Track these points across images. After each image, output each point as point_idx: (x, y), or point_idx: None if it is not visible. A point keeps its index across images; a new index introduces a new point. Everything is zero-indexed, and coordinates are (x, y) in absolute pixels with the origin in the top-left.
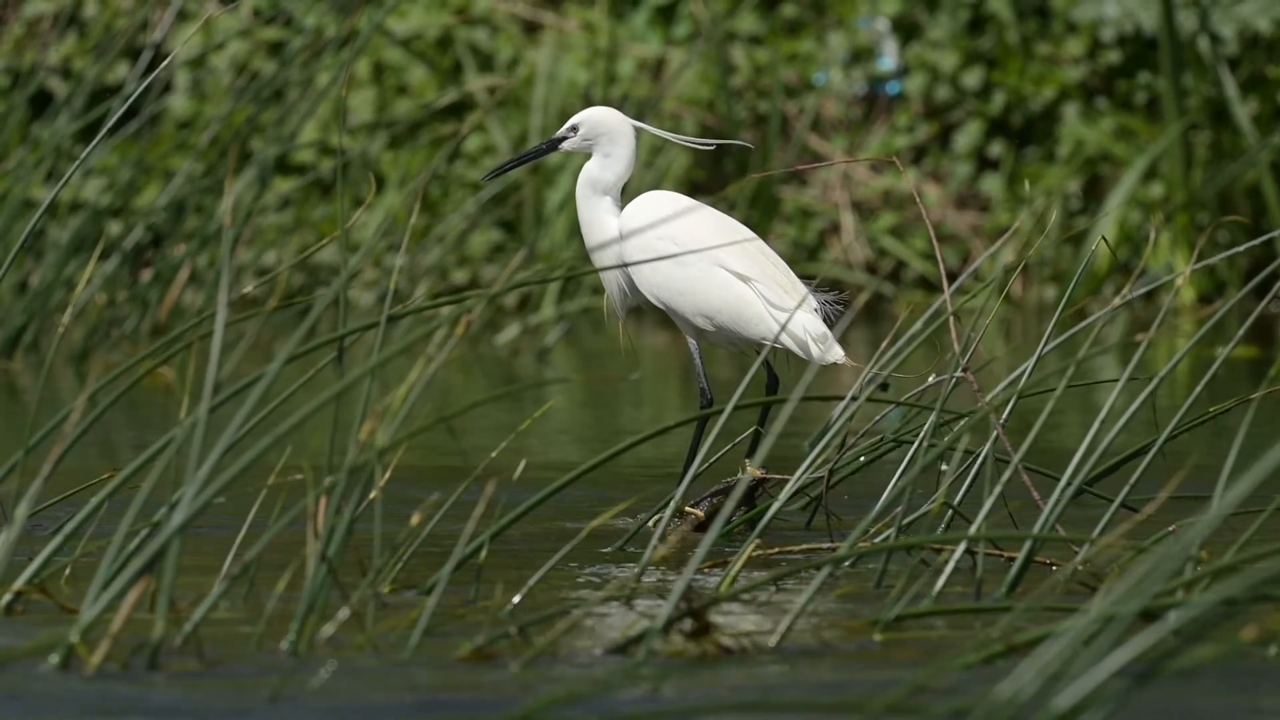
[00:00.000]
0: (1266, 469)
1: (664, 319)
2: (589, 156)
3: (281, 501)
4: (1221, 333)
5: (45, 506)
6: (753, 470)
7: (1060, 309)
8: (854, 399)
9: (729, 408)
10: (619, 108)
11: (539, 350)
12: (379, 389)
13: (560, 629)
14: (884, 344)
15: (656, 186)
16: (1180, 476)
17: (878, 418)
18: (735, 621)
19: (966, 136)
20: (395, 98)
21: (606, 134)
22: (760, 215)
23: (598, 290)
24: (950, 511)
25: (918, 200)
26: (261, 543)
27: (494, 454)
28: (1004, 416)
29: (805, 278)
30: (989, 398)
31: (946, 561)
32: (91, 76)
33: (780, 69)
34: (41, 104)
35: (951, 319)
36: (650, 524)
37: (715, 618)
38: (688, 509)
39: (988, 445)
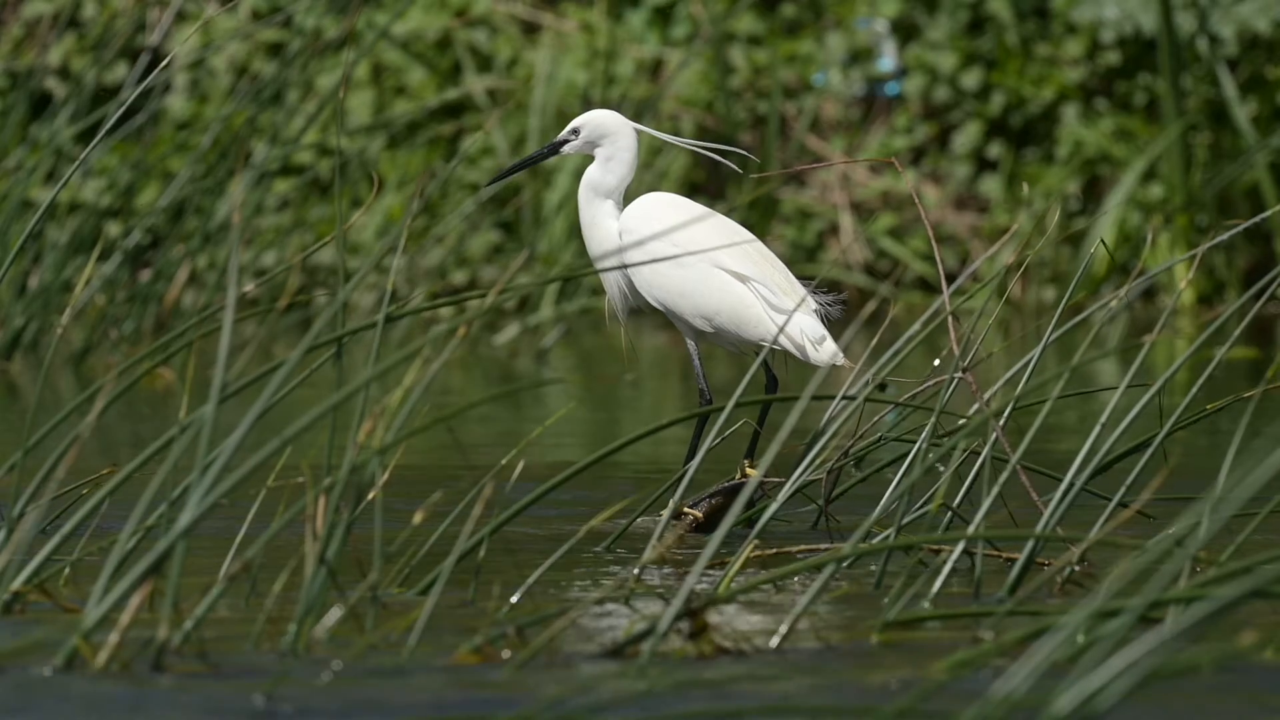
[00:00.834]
0: (1268, 472)
1: (663, 320)
2: (590, 159)
3: (284, 500)
4: (1221, 334)
5: (42, 505)
6: (751, 471)
7: (1060, 308)
8: (850, 399)
9: (729, 407)
10: (618, 109)
11: (538, 351)
12: (378, 389)
13: (558, 630)
14: (874, 341)
15: (656, 187)
16: (1165, 475)
17: (876, 418)
18: (734, 622)
19: (965, 137)
20: (394, 99)
21: (608, 136)
22: (759, 216)
23: (597, 291)
24: (949, 512)
25: (916, 201)
26: (261, 543)
27: (504, 461)
28: (1004, 419)
29: (804, 279)
30: (987, 396)
31: (945, 562)
32: (90, 77)
33: (779, 70)
34: (40, 105)
35: (950, 320)
36: (639, 524)
37: (714, 618)
38: (686, 509)
39: (986, 448)
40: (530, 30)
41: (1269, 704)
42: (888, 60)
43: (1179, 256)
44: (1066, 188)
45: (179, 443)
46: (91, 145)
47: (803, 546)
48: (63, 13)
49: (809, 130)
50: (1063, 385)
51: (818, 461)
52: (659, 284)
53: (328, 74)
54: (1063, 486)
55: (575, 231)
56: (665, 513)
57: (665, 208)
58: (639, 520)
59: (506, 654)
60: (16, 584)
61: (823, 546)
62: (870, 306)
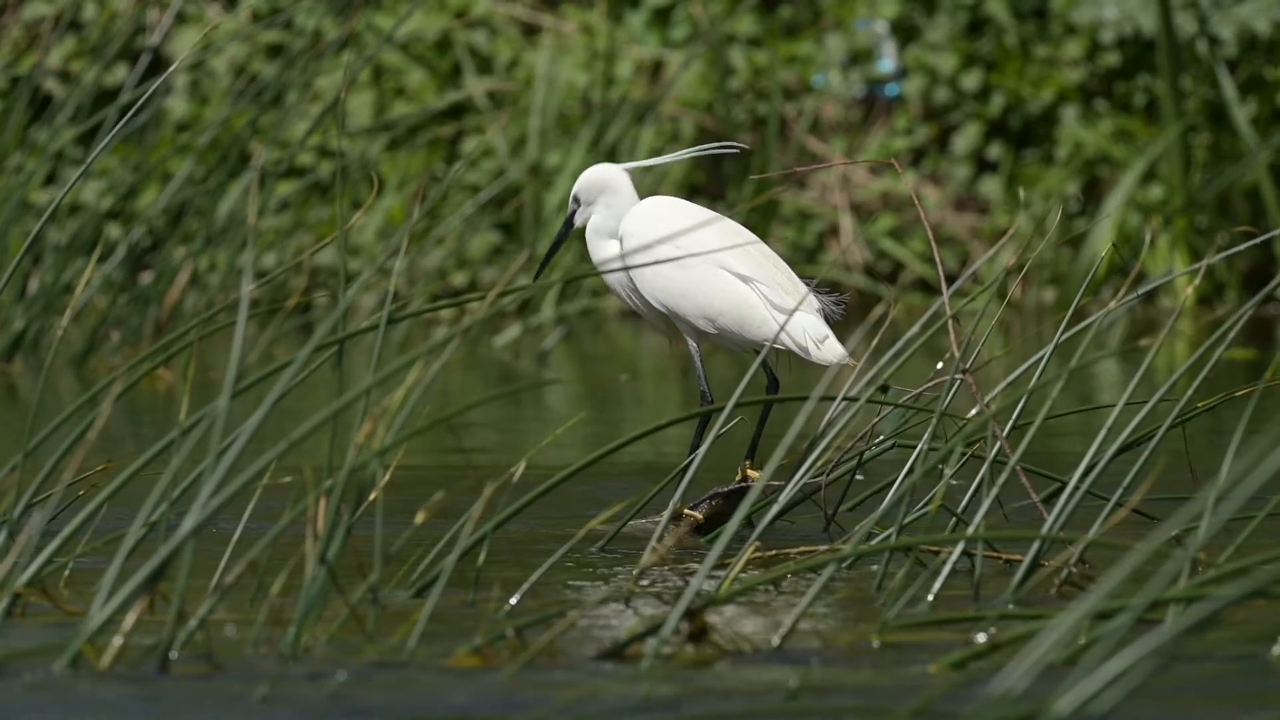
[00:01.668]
0: (1267, 473)
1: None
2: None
3: (291, 500)
4: (1222, 337)
5: (45, 507)
6: (752, 473)
7: (1068, 314)
8: (851, 400)
9: (729, 406)
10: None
11: (539, 352)
12: (379, 390)
13: (558, 632)
14: (874, 343)
15: (656, 188)
16: (1155, 475)
17: (876, 419)
18: (735, 623)
19: (965, 139)
20: (394, 100)
21: (604, 189)
22: (759, 218)
23: (597, 293)
24: (950, 514)
25: (916, 203)
26: (263, 543)
27: (513, 471)
28: (1008, 428)
29: (805, 279)
30: (989, 399)
31: (945, 564)
32: (90, 79)
33: (779, 71)
34: (40, 107)
35: (950, 321)
36: (639, 525)
37: (714, 619)
38: (686, 511)
39: (992, 452)
40: (530, 32)
41: (1270, 704)
42: (887, 61)
43: (1179, 262)
44: (1066, 189)
45: (182, 443)
46: (100, 149)
47: (803, 548)
48: (63, 14)
49: (809, 131)
50: (1062, 386)
51: (818, 463)
52: (661, 286)
53: (327, 75)
54: (1068, 490)
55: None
56: (665, 514)
57: (667, 211)
58: (638, 521)
59: (506, 656)
60: (17, 585)
61: (823, 548)
62: (878, 311)
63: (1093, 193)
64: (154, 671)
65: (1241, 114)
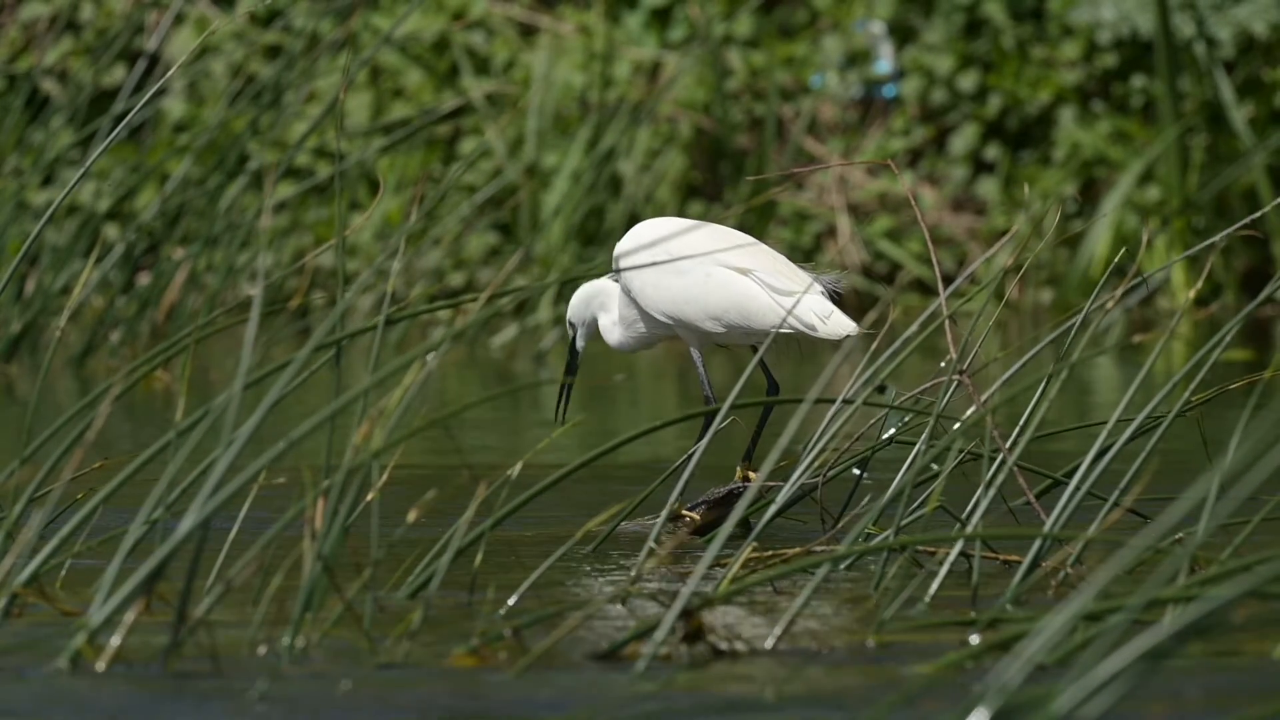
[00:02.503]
0: (1262, 475)
1: None
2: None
3: (292, 499)
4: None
5: (45, 507)
6: (749, 474)
7: (1078, 320)
8: (849, 402)
9: (725, 405)
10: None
11: (536, 353)
12: (376, 391)
13: (557, 633)
14: (873, 346)
15: (654, 189)
16: (1148, 477)
17: (872, 421)
18: (731, 624)
19: (962, 140)
20: (392, 101)
21: (594, 301)
22: (756, 218)
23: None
24: (946, 514)
25: (913, 204)
26: (261, 544)
27: (510, 472)
28: (1016, 434)
29: (803, 265)
30: (985, 397)
31: (941, 564)
32: (88, 80)
33: (776, 72)
34: (38, 107)
35: (948, 322)
36: (638, 525)
37: (711, 620)
38: (684, 512)
39: (1002, 454)
40: (527, 32)
41: (1270, 704)
42: (884, 63)
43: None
44: (1063, 190)
45: (180, 444)
46: (100, 151)
47: (800, 548)
48: (60, 15)
49: (806, 132)
50: (1059, 385)
51: (815, 463)
52: (664, 296)
53: (325, 76)
54: (1068, 491)
55: (573, 233)
56: (662, 515)
57: (659, 226)
58: (636, 522)
59: (503, 656)
60: (14, 585)
61: (819, 549)
62: (874, 315)
63: (1090, 194)
64: (152, 671)
65: (1239, 115)
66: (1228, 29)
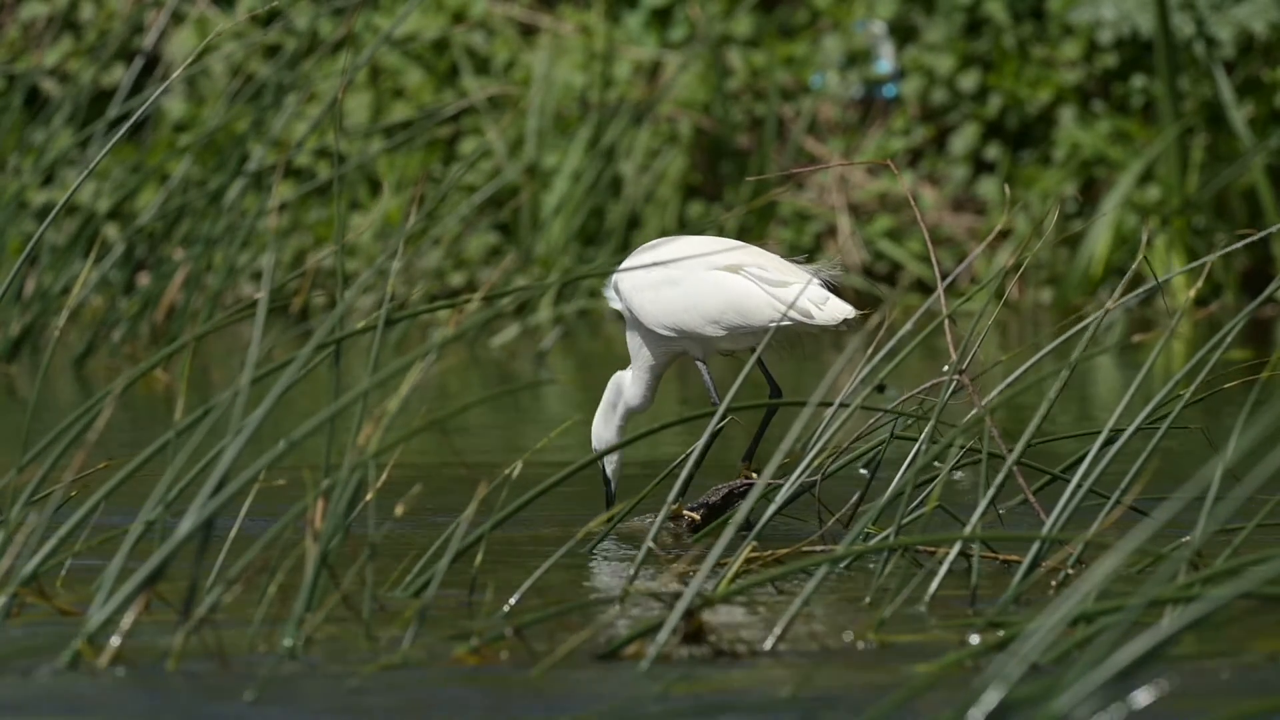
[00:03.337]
0: (1261, 477)
1: None
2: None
3: (292, 499)
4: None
5: (45, 507)
6: (750, 474)
7: (1088, 330)
8: (845, 405)
9: (722, 405)
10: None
11: (537, 353)
12: (376, 391)
13: (563, 637)
14: (871, 349)
15: (654, 189)
16: (1148, 477)
17: (872, 422)
18: (731, 623)
19: (963, 139)
20: (392, 100)
21: (613, 393)
22: (757, 218)
23: (594, 293)
24: (945, 514)
25: (913, 204)
26: (262, 543)
27: (509, 471)
28: (1026, 435)
29: (796, 259)
30: (987, 401)
31: (941, 564)
32: (87, 79)
33: (776, 72)
34: (38, 107)
35: (947, 322)
36: (637, 525)
37: (710, 619)
38: (685, 511)
39: (986, 450)
40: (527, 32)
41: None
42: (885, 62)
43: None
44: (1064, 190)
45: (179, 443)
46: (104, 153)
47: (800, 548)
48: (59, 14)
49: (806, 132)
50: (1056, 383)
51: (814, 463)
52: (664, 309)
53: (324, 74)
54: (1068, 491)
55: (573, 233)
56: (660, 514)
57: (652, 247)
58: (636, 521)
59: (504, 655)
60: (14, 585)
61: (819, 548)
62: (875, 319)
63: (1090, 194)
64: (153, 670)
65: (1239, 115)
66: (1228, 29)
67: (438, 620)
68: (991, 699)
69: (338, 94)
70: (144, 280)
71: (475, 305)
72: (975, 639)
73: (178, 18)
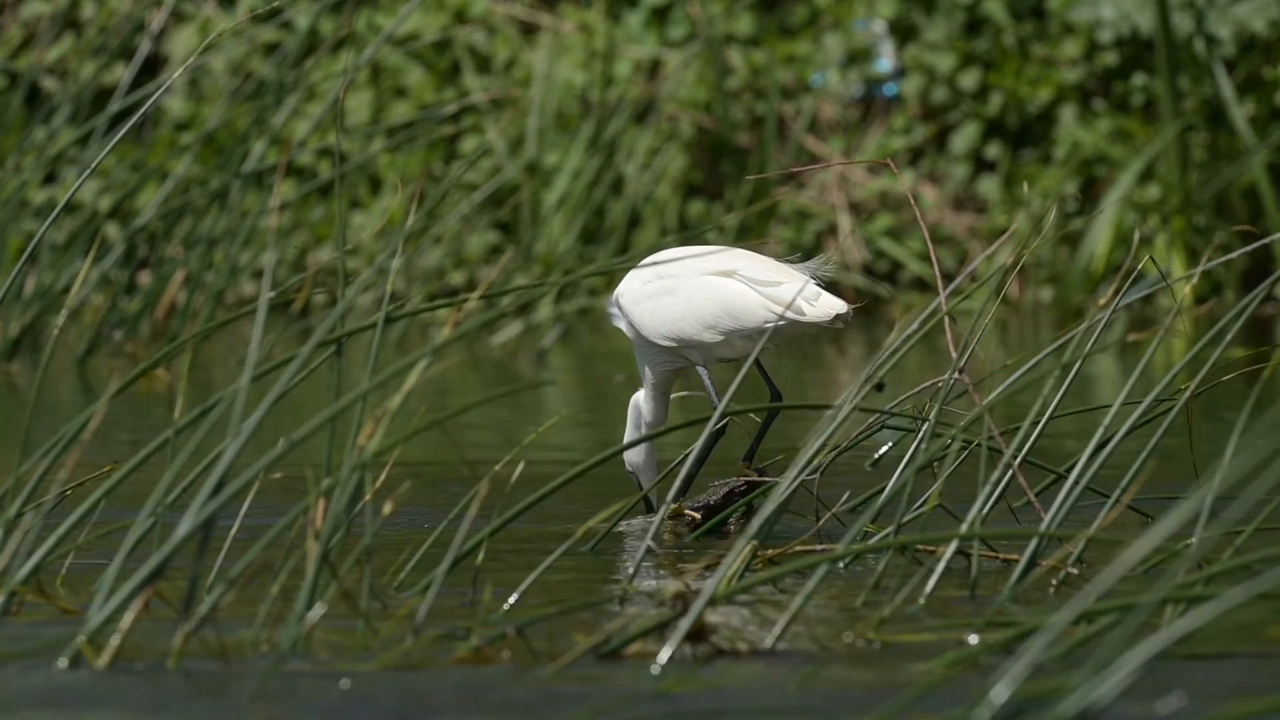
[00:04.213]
0: (1272, 479)
1: None
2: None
3: (297, 495)
4: (1219, 335)
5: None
6: (748, 472)
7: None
8: (836, 409)
9: (720, 406)
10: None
11: (537, 351)
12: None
13: (564, 636)
14: (871, 353)
15: (654, 188)
16: (1149, 473)
17: (871, 421)
18: (731, 622)
19: (963, 138)
20: (393, 99)
21: (634, 412)
22: (757, 217)
23: (594, 291)
24: (945, 513)
25: (913, 203)
26: (263, 542)
27: (497, 467)
28: (1033, 440)
29: (789, 259)
30: (988, 401)
31: (940, 562)
32: (88, 78)
33: (777, 71)
34: (39, 105)
35: (947, 320)
36: (623, 526)
37: (711, 619)
38: (686, 510)
39: (984, 448)
40: (528, 31)
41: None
42: (885, 61)
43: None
44: (1064, 188)
45: (181, 442)
46: (106, 151)
47: (800, 547)
48: (60, 13)
49: (807, 131)
50: (1056, 382)
51: (814, 461)
52: (663, 319)
53: (325, 73)
54: (1064, 490)
55: (573, 231)
56: (660, 512)
57: (650, 265)
58: (636, 521)
59: (505, 655)
60: (14, 584)
61: (819, 547)
62: (889, 317)
63: (1090, 192)
64: (154, 669)
65: (1239, 113)
66: (1228, 27)
67: (439, 619)
68: (999, 697)
69: (339, 93)
70: (145, 279)
71: (475, 304)
72: (974, 638)
73: (179, 16)
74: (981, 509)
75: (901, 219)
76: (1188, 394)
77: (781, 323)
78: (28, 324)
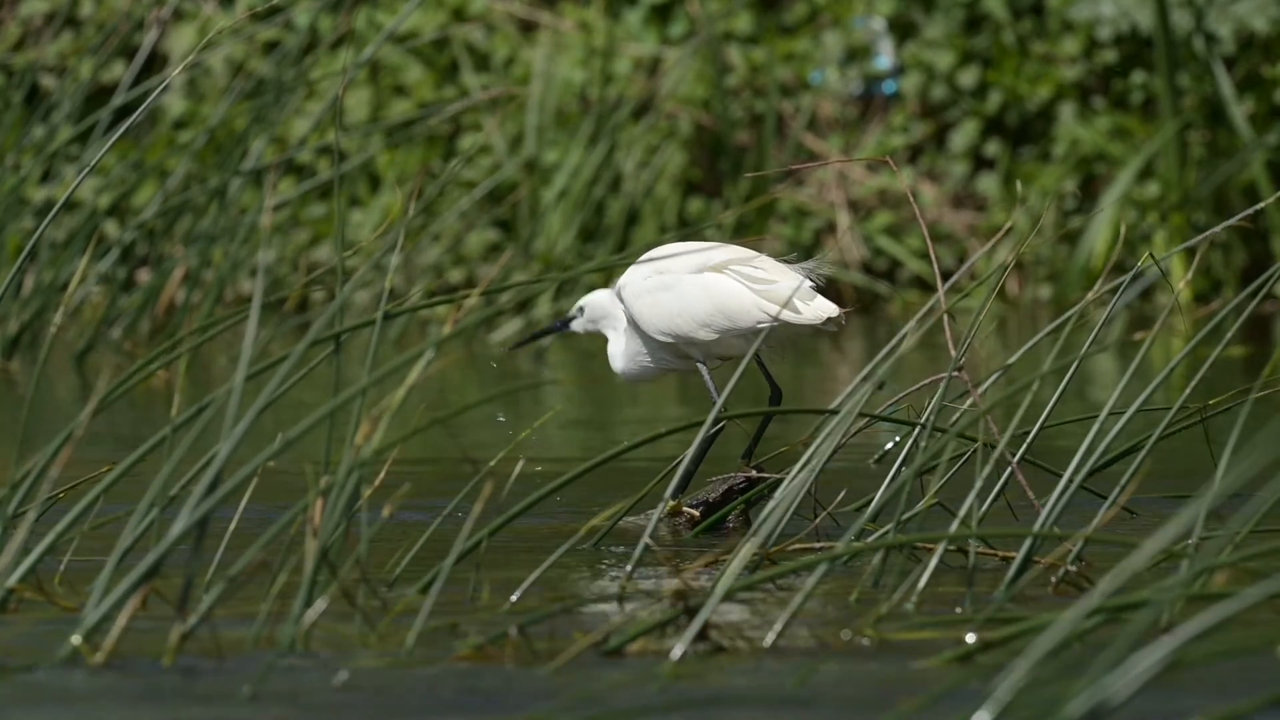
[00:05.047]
0: (1275, 493)
1: None
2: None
3: (295, 492)
4: (1217, 332)
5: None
6: (747, 469)
7: (1104, 331)
8: (834, 413)
9: (718, 403)
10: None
11: (536, 349)
12: (375, 388)
13: (565, 633)
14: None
15: (653, 185)
16: (1140, 480)
17: (860, 429)
18: (730, 620)
19: (962, 136)
20: (391, 97)
21: (608, 316)
22: (756, 215)
23: (594, 289)
24: (944, 511)
25: (912, 200)
26: (262, 543)
27: (492, 463)
28: (1031, 439)
29: (784, 259)
30: (992, 404)
31: (937, 561)
32: (87, 76)
33: (776, 68)
34: (38, 103)
35: (946, 318)
36: (637, 523)
37: (712, 616)
38: (685, 508)
39: (980, 445)
40: (527, 28)
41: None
42: (884, 59)
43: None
44: (1063, 186)
45: (177, 439)
46: (104, 150)
47: (799, 545)
48: (60, 10)
49: (806, 129)
50: (1054, 379)
51: (813, 460)
52: (661, 314)
53: (325, 71)
54: (1060, 485)
55: (572, 229)
56: (658, 510)
57: (649, 259)
58: (636, 519)
59: (506, 652)
60: (11, 581)
61: (818, 545)
62: (881, 328)
63: (1090, 190)
64: (149, 667)
65: (1238, 111)
66: (1227, 25)
67: (440, 617)
68: (1003, 696)
69: (339, 91)
70: (144, 277)
71: (474, 301)
72: (973, 637)
73: (178, 14)
74: (980, 507)
75: (900, 217)
76: (1182, 399)
77: (775, 323)
78: (27, 321)
